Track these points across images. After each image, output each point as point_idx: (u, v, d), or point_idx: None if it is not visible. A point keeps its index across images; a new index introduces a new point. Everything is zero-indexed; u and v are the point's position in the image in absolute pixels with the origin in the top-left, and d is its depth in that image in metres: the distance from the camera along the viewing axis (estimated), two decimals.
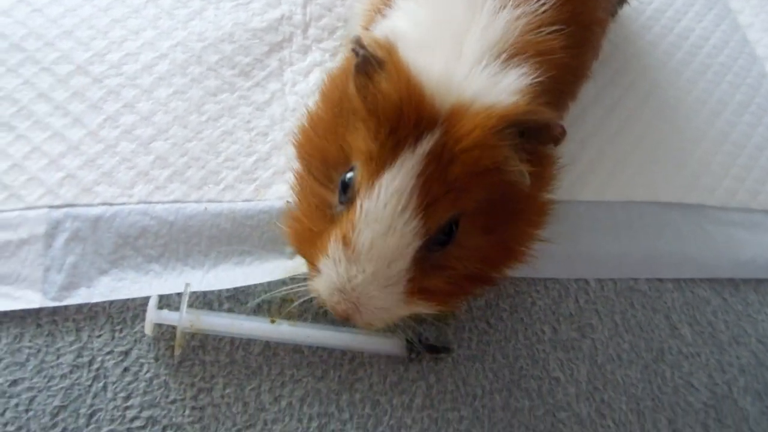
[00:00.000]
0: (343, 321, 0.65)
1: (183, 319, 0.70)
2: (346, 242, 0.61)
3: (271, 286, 0.76)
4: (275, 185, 0.83)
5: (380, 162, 0.61)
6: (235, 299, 0.76)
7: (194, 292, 0.75)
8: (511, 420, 0.74)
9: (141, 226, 0.78)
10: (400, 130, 0.61)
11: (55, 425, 0.67)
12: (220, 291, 0.76)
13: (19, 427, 0.66)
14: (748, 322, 0.85)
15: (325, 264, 0.63)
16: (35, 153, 0.81)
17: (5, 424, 0.66)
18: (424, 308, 0.65)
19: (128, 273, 0.76)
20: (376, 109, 0.61)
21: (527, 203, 0.68)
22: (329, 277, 0.62)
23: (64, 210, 0.77)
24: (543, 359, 0.78)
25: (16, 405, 0.67)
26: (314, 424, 0.71)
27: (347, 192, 0.64)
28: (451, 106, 0.61)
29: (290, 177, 0.83)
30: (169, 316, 0.71)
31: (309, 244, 0.66)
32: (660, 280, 0.86)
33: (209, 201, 0.81)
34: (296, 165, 0.73)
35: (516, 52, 0.65)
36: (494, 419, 0.73)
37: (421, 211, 0.60)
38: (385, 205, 0.60)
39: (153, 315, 0.70)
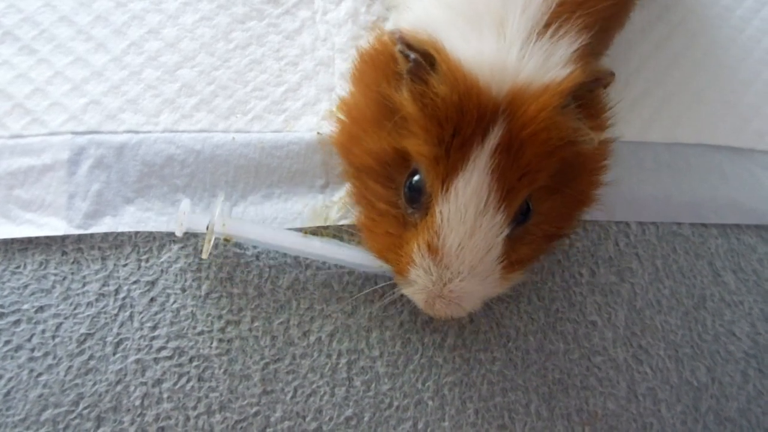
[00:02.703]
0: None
1: (216, 216, 0.68)
2: (432, 250, 0.60)
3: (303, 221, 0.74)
4: (305, 117, 0.80)
5: (449, 165, 0.59)
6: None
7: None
8: (545, 363, 0.72)
9: (167, 155, 0.75)
10: (464, 129, 0.58)
11: (82, 352, 0.66)
12: (250, 217, 0.74)
13: (47, 353, 0.65)
14: None
15: (415, 274, 0.62)
16: (58, 78, 0.78)
17: (32, 350, 0.65)
18: (517, 278, 0.66)
19: (154, 203, 0.74)
20: (436, 113, 0.59)
21: (588, 153, 0.65)
22: (424, 287, 0.62)
23: (88, 136, 0.75)
24: (580, 302, 0.75)
25: (43, 331, 0.66)
26: (343, 360, 0.69)
27: (418, 196, 0.62)
28: (509, 92, 0.58)
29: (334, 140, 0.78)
30: (200, 219, 0.69)
31: (389, 251, 0.64)
32: (704, 225, 0.82)
33: (237, 131, 0.78)
34: (345, 165, 0.70)
35: (559, 17, 0.62)
36: (528, 361, 0.71)
37: (501, 202, 0.59)
38: (465, 208, 0.59)
39: (184, 217, 0.68)
